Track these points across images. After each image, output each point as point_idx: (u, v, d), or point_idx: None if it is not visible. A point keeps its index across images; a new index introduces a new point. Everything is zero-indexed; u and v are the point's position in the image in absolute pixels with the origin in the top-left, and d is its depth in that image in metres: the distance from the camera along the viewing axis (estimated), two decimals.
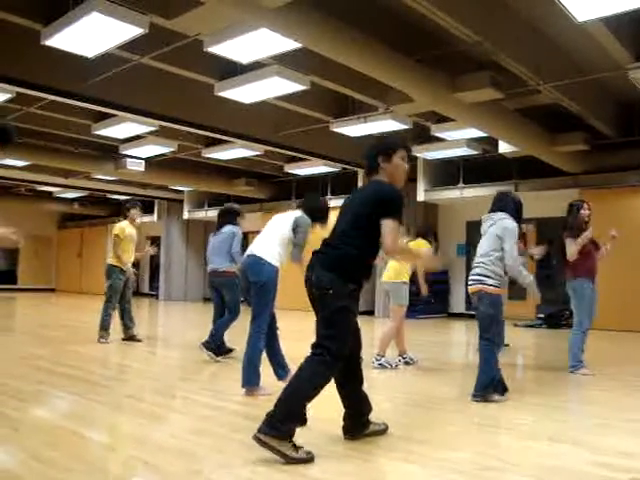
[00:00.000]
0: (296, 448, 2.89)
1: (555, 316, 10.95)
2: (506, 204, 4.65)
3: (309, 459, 2.88)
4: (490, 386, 4.33)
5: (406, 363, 6.05)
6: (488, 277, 4.45)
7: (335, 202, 13.62)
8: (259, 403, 4.16)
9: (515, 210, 4.62)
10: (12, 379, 4.95)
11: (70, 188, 16.41)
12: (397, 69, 6.33)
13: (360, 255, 3.13)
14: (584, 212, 5.69)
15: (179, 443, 3.22)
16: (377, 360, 5.74)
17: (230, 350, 6.26)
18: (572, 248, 5.52)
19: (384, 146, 3.35)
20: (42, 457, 2.92)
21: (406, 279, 5.95)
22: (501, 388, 4.39)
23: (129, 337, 7.50)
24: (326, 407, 3.49)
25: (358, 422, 3.32)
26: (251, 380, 4.42)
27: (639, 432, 3.68)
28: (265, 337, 4.47)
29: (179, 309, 15.13)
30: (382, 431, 3.37)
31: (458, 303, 13.34)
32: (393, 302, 6.00)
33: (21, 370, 5.41)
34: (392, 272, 5.94)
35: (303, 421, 2.98)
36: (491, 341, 4.42)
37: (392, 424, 3.42)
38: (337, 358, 3.02)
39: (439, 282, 12.78)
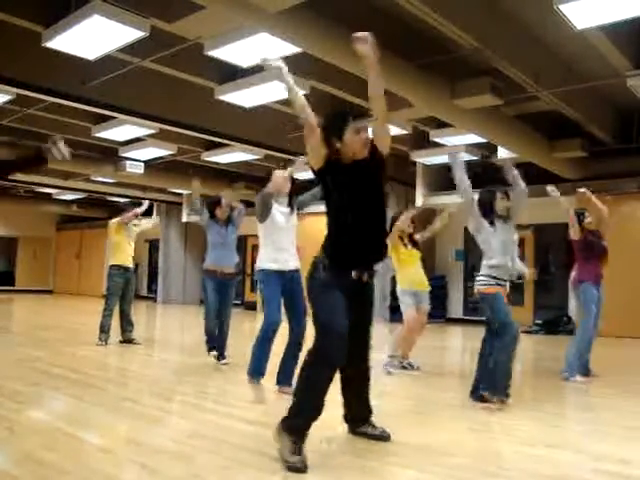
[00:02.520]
0: (295, 451, 2.87)
1: (553, 322, 10.95)
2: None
3: (299, 468, 2.81)
4: (491, 387, 4.32)
5: (403, 367, 6.04)
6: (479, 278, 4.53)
7: None
8: (258, 407, 4.17)
9: (480, 206, 4.64)
10: (9, 380, 4.94)
11: (69, 190, 16.39)
12: (397, 74, 6.35)
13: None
14: (587, 220, 5.79)
15: (177, 446, 3.22)
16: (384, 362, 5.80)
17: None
18: (571, 227, 5.69)
19: (330, 124, 3.16)
20: (39, 459, 2.92)
21: (402, 287, 5.99)
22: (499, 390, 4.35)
23: (127, 340, 7.50)
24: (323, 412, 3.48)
25: (360, 414, 3.41)
26: (249, 368, 4.42)
27: (636, 438, 3.68)
28: (266, 337, 4.44)
29: (177, 312, 15.11)
30: (380, 437, 3.36)
31: (456, 308, 13.34)
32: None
33: (18, 371, 5.40)
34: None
35: (312, 417, 2.98)
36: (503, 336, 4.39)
37: (389, 429, 3.42)
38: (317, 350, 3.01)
39: (437, 287, 12.77)
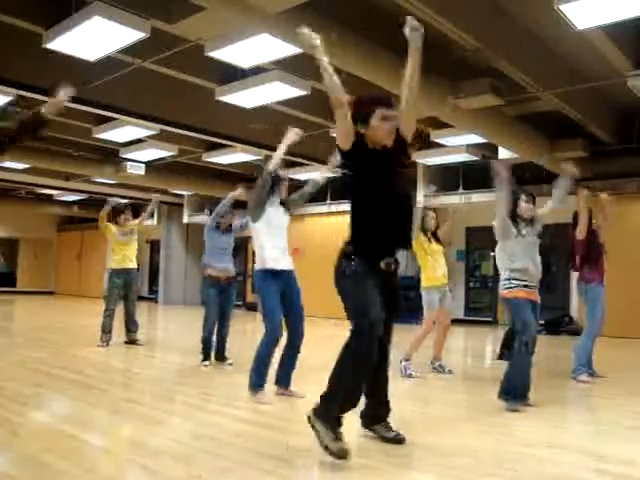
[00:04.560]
0: (336, 439, 2.87)
1: (555, 322, 10.94)
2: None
3: (340, 455, 2.84)
4: (511, 392, 4.27)
5: (434, 369, 5.95)
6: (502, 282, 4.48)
7: (336, 207, 13.69)
8: (259, 408, 4.16)
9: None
10: (11, 382, 4.94)
11: (70, 191, 16.42)
12: (397, 75, 6.33)
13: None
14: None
15: (179, 448, 3.21)
16: (400, 363, 5.68)
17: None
18: (580, 226, 5.59)
19: (357, 110, 3.15)
20: (40, 460, 2.92)
21: (427, 285, 5.89)
22: (519, 396, 4.31)
23: (130, 341, 7.51)
24: None
25: (376, 412, 3.35)
26: (249, 383, 4.40)
27: (639, 439, 3.68)
28: (268, 352, 4.36)
29: (178, 313, 15.11)
30: (394, 440, 3.29)
31: (457, 309, 13.32)
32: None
33: (20, 373, 5.41)
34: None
35: (349, 406, 2.99)
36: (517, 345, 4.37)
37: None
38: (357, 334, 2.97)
39: None
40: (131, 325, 7.56)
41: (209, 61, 6.43)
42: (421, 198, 12.26)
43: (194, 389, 4.99)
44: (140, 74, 7.14)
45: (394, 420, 3.50)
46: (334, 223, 13.16)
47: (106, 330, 7.32)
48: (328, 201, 13.65)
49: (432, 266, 5.92)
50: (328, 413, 2.95)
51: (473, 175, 11.83)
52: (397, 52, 6.25)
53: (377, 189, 3.09)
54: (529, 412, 4.26)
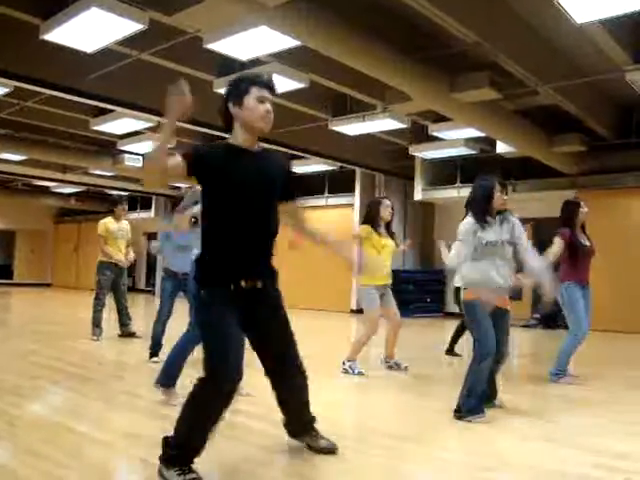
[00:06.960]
0: (183, 474, 2.55)
1: (550, 317, 10.96)
2: (468, 201, 4.15)
3: None
4: (468, 404, 3.79)
5: (389, 367, 5.67)
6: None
7: (333, 200, 13.67)
8: (255, 401, 4.17)
9: (475, 200, 4.04)
10: (8, 374, 4.95)
11: (67, 183, 16.36)
12: (396, 68, 6.34)
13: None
14: (583, 210, 5.42)
15: None
16: (343, 365, 5.42)
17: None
18: (554, 248, 5.20)
19: (233, 88, 2.72)
20: (38, 453, 2.93)
21: (365, 282, 5.39)
22: (481, 407, 3.83)
23: (127, 334, 7.49)
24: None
25: (298, 425, 3.07)
26: (160, 377, 4.12)
27: (634, 433, 3.70)
28: (192, 343, 4.04)
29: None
30: (325, 450, 2.98)
31: (453, 303, 13.33)
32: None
33: (17, 365, 5.41)
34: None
35: (194, 451, 2.64)
36: (475, 351, 3.88)
37: (389, 425, 3.42)
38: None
39: (435, 281, 12.78)
40: (125, 318, 7.54)
41: (207, 53, 6.40)
42: (419, 191, 12.28)
43: (191, 380, 4.99)
44: (138, 66, 7.09)
45: (385, 413, 3.52)
46: (331, 216, 13.15)
47: (97, 324, 7.29)
48: (326, 194, 13.60)
49: (371, 264, 5.28)
50: (178, 457, 2.60)
51: (470, 169, 11.83)
52: (396, 45, 6.25)
53: (228, 197, 2.64)
54: (525, 406, 4.27)
